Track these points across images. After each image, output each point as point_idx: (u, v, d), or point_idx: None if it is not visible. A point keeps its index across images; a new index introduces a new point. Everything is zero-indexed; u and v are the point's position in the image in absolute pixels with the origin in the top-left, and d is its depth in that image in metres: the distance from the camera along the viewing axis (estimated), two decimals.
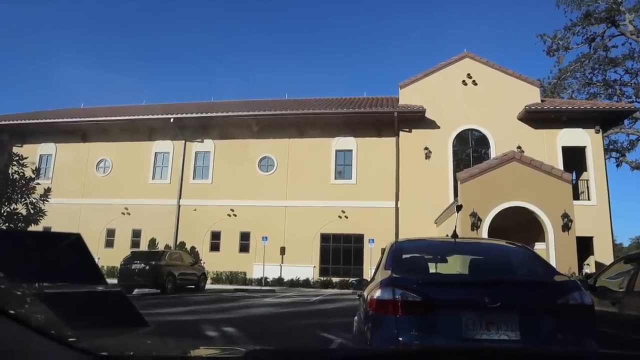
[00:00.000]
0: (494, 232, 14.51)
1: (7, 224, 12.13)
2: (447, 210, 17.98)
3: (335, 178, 23.11)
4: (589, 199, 20.77)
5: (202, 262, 20.57)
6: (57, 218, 18.70)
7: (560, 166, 19.59)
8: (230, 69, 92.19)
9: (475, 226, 14.79)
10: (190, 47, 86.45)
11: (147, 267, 15.70)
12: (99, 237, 23.44)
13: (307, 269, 21.99)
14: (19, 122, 25.43)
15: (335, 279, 21.20)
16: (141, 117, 24.72)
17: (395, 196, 21.87)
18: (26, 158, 13.15)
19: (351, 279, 16.68)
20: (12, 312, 0.76)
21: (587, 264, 18.83)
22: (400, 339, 3.00)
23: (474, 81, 22.69)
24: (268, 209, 22.74)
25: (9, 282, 0.89)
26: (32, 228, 12.72)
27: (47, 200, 13.25)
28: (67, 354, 0.85)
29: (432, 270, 4.04)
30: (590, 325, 3.15)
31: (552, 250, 14.47)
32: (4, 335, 0.73)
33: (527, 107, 21.46)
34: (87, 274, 0.87)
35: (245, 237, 23.05)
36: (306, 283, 21.30)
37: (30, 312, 0.90)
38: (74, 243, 0.78)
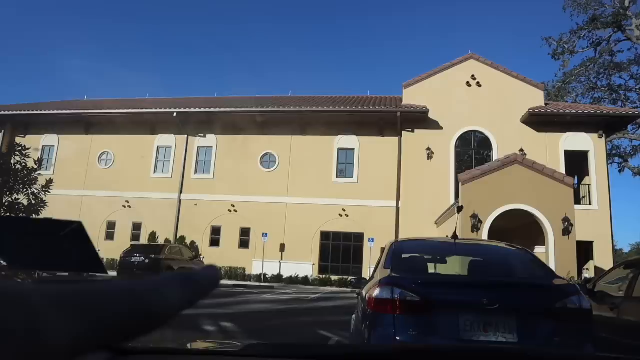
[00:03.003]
0: (494, 234, 14.49)
1: (8, 214, 12.17)
2: (448, 211, 17.97)
3: (337, 176, 23.09)
4: (590, 204, 20.73)
5: (201, 256, 20.60)
6: (58, 209, 18.61)
7: (563, 170, 19.54)
8: (238, 63, 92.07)
9: (476, 228, 14.77)
10: (198, 39, 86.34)
11: (147, 261, 15.75)
12: (100, 229, 23.48)
13: (306, 267, 22.00)
14: (23, 112, 25.40)
15: (334, 277, 21.21)
16: (144, 110, 24.73)
17: (396, 196, 21.85)
18: (29, 149, 13.19)
19: (350, 278, 16.66)
20: None
21: (587, 269, 18.81)
22: (398, 338, 3.00)
23: (478, 83, 22.62)
24: (269, 206, 22.75)
25: (9, 268, 0.89)
26: None
27: (49, 191, 13.28)
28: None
29: (431, 270, 4.05)
30: (588, 329, 3.14)
31: (552, 254, 14.45)
32: None
33: (531, 110, 21.40)
34: (87, 263, 0.87)
35: (245, 232, 23.07)
36: (305, 280, 21.31)
37: None
38: (75, 231, 0.78)
